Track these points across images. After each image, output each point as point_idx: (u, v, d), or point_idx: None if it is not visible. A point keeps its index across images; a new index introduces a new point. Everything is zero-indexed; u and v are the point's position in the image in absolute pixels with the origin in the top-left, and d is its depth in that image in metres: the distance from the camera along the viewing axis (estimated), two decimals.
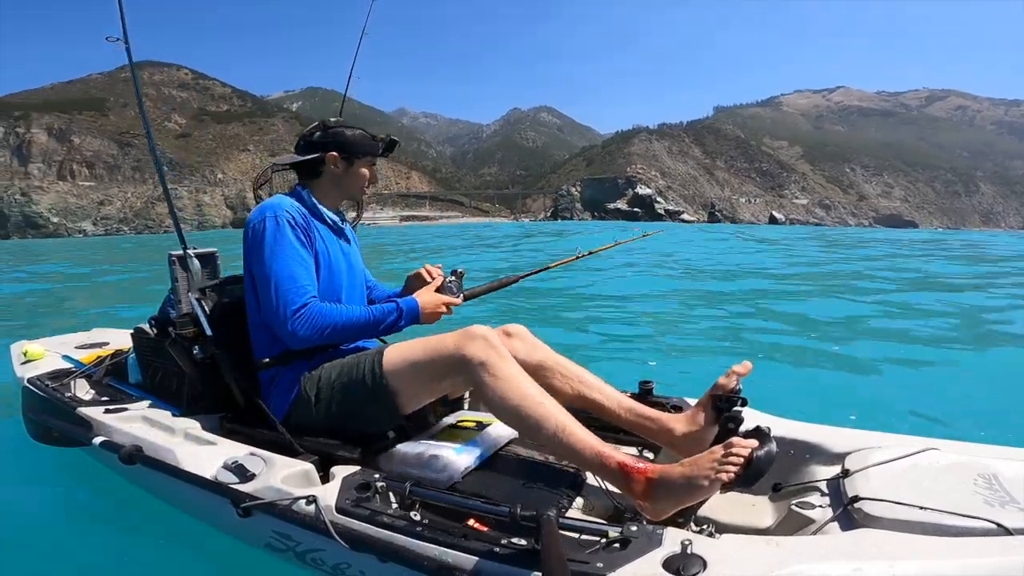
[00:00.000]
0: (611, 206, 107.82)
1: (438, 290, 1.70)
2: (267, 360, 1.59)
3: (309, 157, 1.67)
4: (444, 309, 1.67)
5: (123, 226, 75.90)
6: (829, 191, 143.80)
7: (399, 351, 1.49)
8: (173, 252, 1.91)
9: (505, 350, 1.40)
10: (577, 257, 2.41)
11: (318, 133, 1.68)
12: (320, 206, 1.69)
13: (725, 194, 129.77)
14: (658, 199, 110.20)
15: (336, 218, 1.74)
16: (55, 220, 72.20)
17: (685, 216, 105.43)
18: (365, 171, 1.72)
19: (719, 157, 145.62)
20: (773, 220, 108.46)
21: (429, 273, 1.76)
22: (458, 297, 1.72)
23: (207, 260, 1.95)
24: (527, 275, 2.17)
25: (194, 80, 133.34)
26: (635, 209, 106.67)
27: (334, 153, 1.66)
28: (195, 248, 1.92)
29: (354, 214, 1.93)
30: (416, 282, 1.79)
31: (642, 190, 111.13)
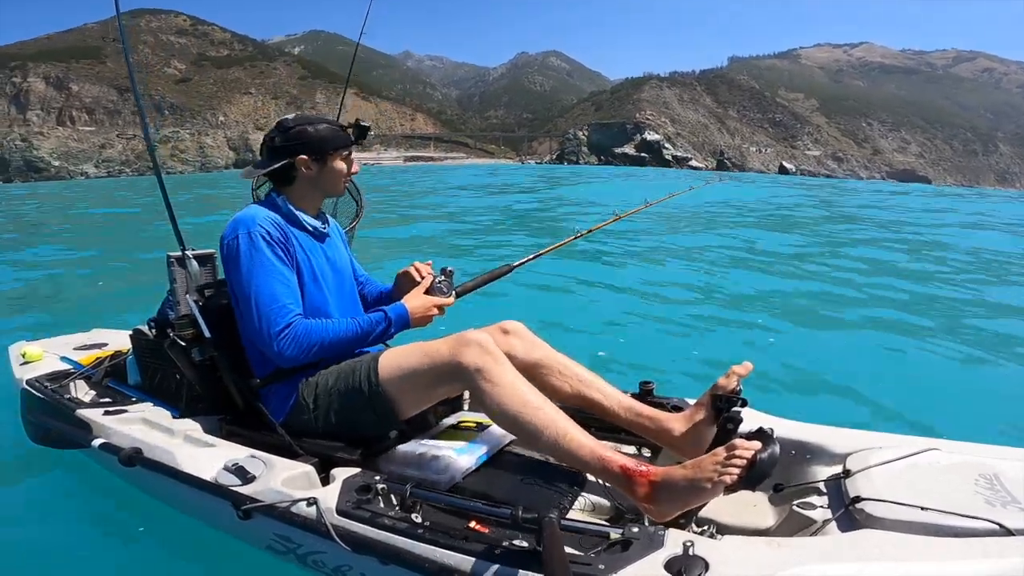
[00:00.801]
0: (618, 151, 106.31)
1: (427, 291, 1.65)
2: (257, 381, 1.58)
3: (278, 165, 1.58)
4: (435, 312, 1.63)
5: (125, 168, 75.73)
6: (843, 144, 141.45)
7: (394, 358, 1.47)
8: (172, 253, 1.88)
9: (501, 355, 1.37)
10: (575, 237, 2.33)
11: (278, 137, 1.58)
12: (298, 212, 1.63)
13: (735, 142, 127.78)
14: (666, 145, 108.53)
15: (317, 223, 1.67)
16: (56, 164, 71.99)
17: (693, 163, 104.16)
18: (341, 164, 1.62)
19: (731, 106, 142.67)
20: (783, 170, 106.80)
21: (418, 272, 1.71)
22: (449, 296, 1.68)
23: (205, 260, 1.91)
24: (520, 264, 2.11)
25: (192, 26, 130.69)
26: (642, 154, 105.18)
27: (303, 156, 1.56)
28: (193, 249, 1.88)
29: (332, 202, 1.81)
30: (405, 280, 1.73)
31: (650, 136, 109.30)
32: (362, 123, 1.65)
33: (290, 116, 1.62)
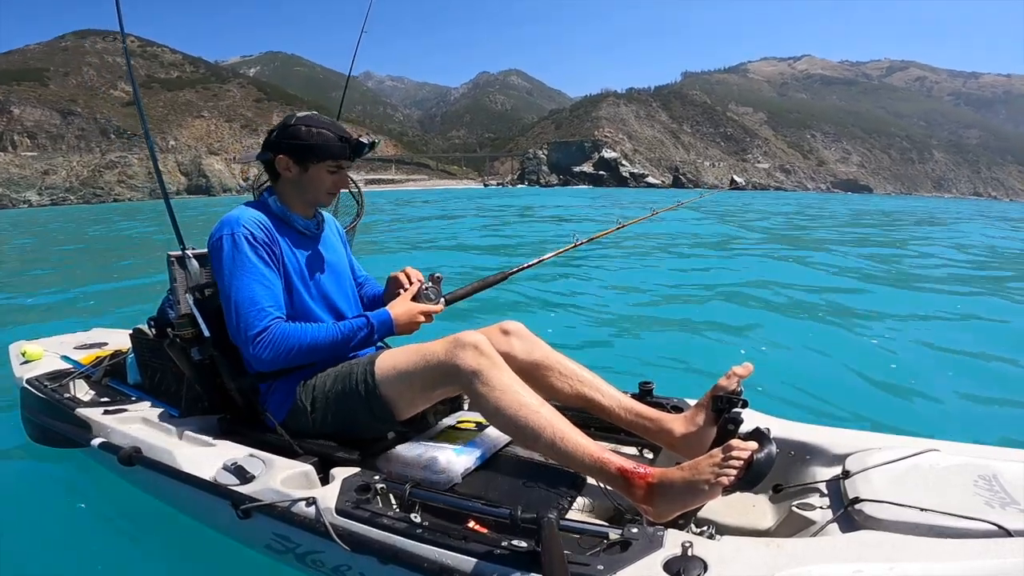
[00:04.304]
0: (577, 169, 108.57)
1: (414, 298, 1.62)
2: (233, 384, 1.60)
3: (262, 158, 1.59)
4: (421, 318, 1.60)
5: (70, 195, 72.71)
6: (790, 156, 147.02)
7: (391, 359, 1.46)
8: (171, 252, 1.88)
9: (498, 357, 1.37)
10: (575, 245, 2.25)
11: (276, 131, 1.58)
12: (289, 212, 1.62)
13: (690, 158, 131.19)
14: (623, 162, 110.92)
15: (310, 223, 1.66)
16: None
17: (650, 179, 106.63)
18: (324, 176, 1.58)
19: (685, 122, 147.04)
20: (734, 184, 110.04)
21: (408, 277, 1.69)
22: (437, 303, 1.65)
23: (205, 260, 1.88)
24: (516, 271, 2.05)
25: (140, 47, 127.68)
26: (600, 172, 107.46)
27: (283, 156, 1.55)
28: (193, 248, 1.87)
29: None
30: (395, 285, 1.71)
31: (608, 154, 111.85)
32: (363, 140, 1.60)
33: (303, 113, 1.60)
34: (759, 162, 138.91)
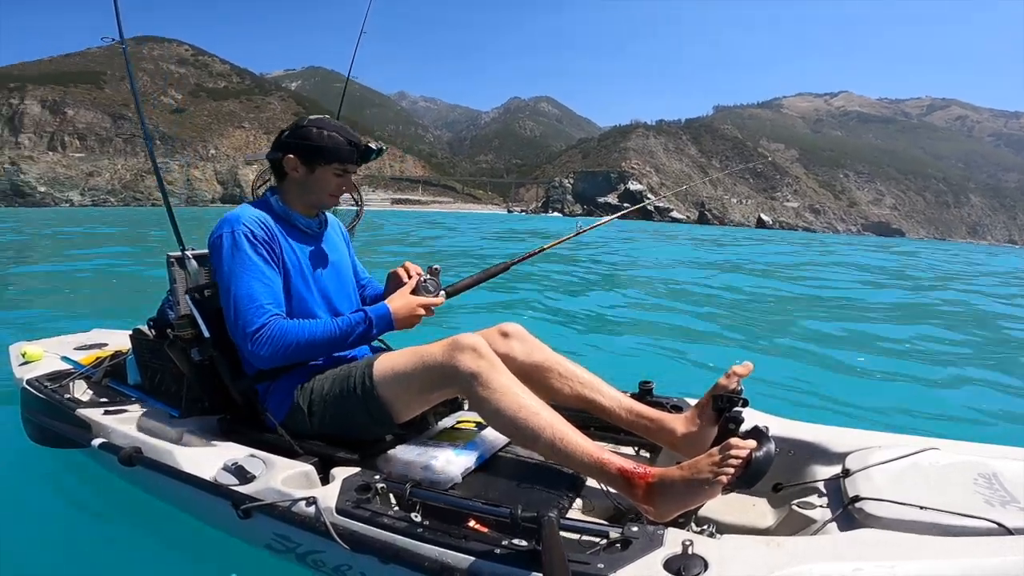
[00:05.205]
0: (601, 200, 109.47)
1: (414, 291, 1.61)
2: (233, 384, 1.60)
3: (271, 156, 1.60)
4: (421, 312, 1.58)
5: (110, 197, 75.14)
6: (821, 196, 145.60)
7: (389, 362, 1.46)
8: (171, 253, 1.88)
9: (496, 359, 1.36)
10: (576, 234, 2.23)
11: (287, 130, 1.59)
12: (292, 211, 1.62)
13: (718, 194, 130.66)
14: (649, 195, 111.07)
15: (312, 222, 1.66)
16: (42, 189, 71.47)
17: (675, 214, 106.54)
18: (330, 178, 1.59)
19: (715, 156, 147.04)
20: (761, 223, 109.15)
21: (407, 272, 1.69)
22: (437, 296, 1.63)
23: (205, 261, 1.88)
24: (516, 262, 2.02)
25: (193, 56, 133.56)
26: (624, 204, 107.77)
27: (291, 156, 1.56)
28: (193, 248, 1.87)
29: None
30: (395, 281, 1.71)
31: (633, 186, 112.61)
32: (371, 145, 1.61)
33: (316, 116, 1.61)
34: (788, 200, 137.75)
